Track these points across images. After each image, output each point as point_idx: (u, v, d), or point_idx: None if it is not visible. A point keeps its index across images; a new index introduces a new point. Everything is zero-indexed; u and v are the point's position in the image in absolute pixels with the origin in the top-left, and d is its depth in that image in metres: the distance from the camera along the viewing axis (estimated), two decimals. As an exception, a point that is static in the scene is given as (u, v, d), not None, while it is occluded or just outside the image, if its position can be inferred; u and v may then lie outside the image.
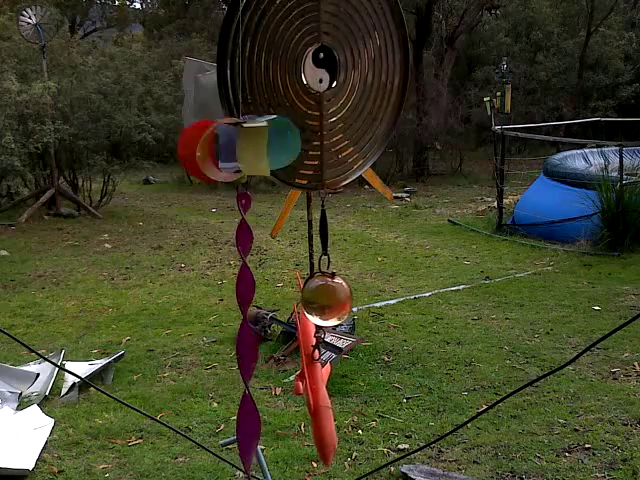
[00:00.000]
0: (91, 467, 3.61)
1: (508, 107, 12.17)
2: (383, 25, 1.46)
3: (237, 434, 1.50)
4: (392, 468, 3.49)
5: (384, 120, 1.53)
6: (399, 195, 13.36)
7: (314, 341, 1.69)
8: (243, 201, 1.34)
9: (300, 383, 1.71)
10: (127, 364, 5.00)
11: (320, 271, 1.54)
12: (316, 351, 1.70)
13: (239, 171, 1.27)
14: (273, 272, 7.73)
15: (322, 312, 1.51)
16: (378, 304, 6.39)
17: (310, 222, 5.25)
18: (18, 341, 1.81)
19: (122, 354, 4.98)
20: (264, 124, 1.24)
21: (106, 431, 3.98)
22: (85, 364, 4.80)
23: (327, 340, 4.74)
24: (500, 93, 12.11)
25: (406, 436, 3.86)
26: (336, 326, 4.34)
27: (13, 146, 10.05)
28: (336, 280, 1.53)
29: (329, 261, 1.55)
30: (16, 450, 3.69)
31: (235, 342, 1.49)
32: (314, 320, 1.53)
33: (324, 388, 1.72)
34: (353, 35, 1.44)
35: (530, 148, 17.06)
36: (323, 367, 1.84)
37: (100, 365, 4.71)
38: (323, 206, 1.53)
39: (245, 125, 1.23)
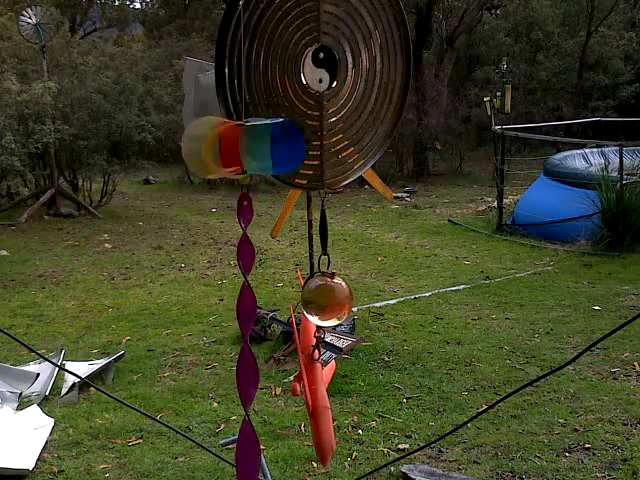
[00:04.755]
0: (91, 467, 3.61)
1: (508, 107, 12.18)
2: (384, 24, 1.46)
3: (236, 460, 1.46)
4: (392, 468, 3.49)
5: (385, 120, 1.52)
6: (399, 195, 13.35)
7: (314, 341, 1.68)
8: (244, 203, 1.32)
9: (297, 384, 1.70)
10: (127, 364, 5.00)
11: (320, 271, 1.54)
12: (316, 351, 1.70)
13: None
14: (273, 272, 7.73)
15: (321, 312, 1.51)
16: (378, 304, 6.39)
17: (310, 222, 5.24)
18: (18, 341, 1.81)
19: (122, 354, 4.98)
20: (266, 123, 1.24)
21: (106, 431, 3.98)
22: (85, 364, 4.80)
23: (327, 340, 4.75)
24: (500, 93, 12.12)
25: (406, 436, 3.86)
26: (336, 326, 4.35)
27: (13, 146, 10.06)
28: (335, 280, 1.53)
29: (329, 261, 1.54)
30: (16, 450, 3.69)
31: (236, 368, 1.43)
32: (313, 320, 1.53)
33: (323, 388, 1.72)
34: (353, 35, 1.43)
35: (530, 148, 17.07)
36: (327, 366, 1.84)
37: (100, 365, 4.71)
38: (323, 206, 1.52)
39: (247, 124, 1.23)
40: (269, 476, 3.15)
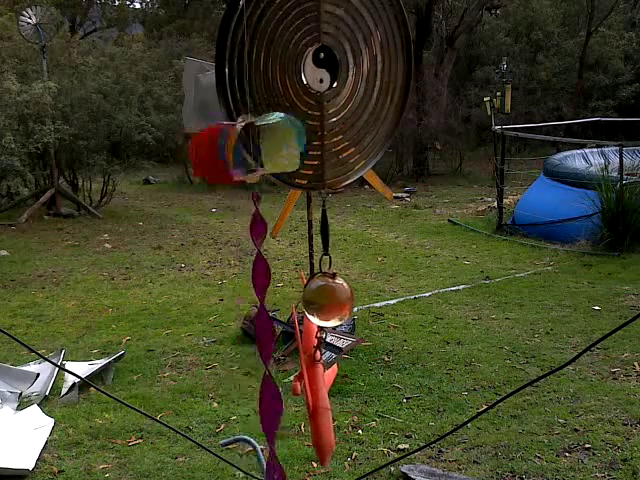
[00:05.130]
0: (91, 467, 3.62)
1: (508, 107, 12.19)
2: (385, 25, 1.46)
3: (260, 415, 1.49)
4: (392, 468, 3.49)
5: (386, 120, 1.52)
6: (399, 195, 13.36)
7: (315, 342, 1.68)
8: (255, 198, 1.35)
9: (298, 384, 1.70)
10: (127, 364, 5.00)
11: (321, 271, 1.54)
12: (317, 352, 1.69)
13: (252, 171, 1.28)
14: (273, 272, 7.63)
15: (322, 312, 1.51)
16: (378, 304, 6.39)
17: (310, 222, 5.24)
18: (18, 341, 1.81)
19: (122, 354, 4.98)
20: (277, 120, 1.24)
21: (106, 431, 3.98)
22: (85, 364, 4.80)
23: (327, 340, 4.75)
24: (500, 93, 12.13)
25: (406, 436, 3.86)
26: (336, 326, 4.35)
27: (13, 146, 10.05)
28: (337, 280, 1.52)
29: (330, 261, 1.54)
30: (16, 450, 3.69)
31: (255, 328, 1.48)
32: (314, 320, 1.53)
33: (324, 389, 1.71)
34: (354, 35, 1.43)
35: (530, 148, 17.07)
36: (329, 368, 1.84)
37: (100, 365, 4.71)
38: (324, 206, 1.52)
39: (259, 123, 1.23)
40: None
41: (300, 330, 1.85)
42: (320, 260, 1.54)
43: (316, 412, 1.67)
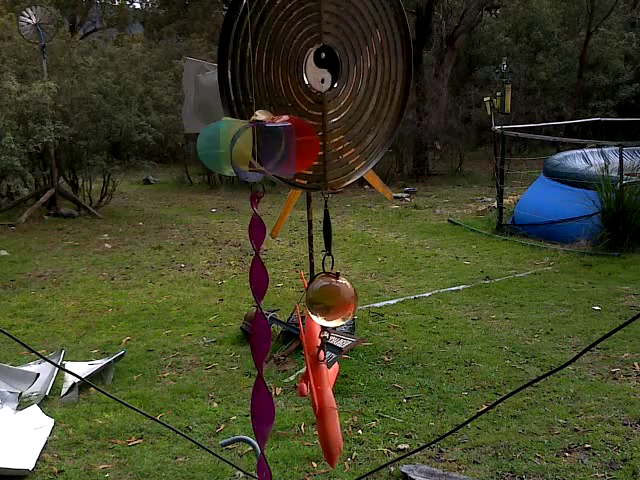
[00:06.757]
0: (91, 467, 3.61)
1: (508, 107, 12.18)
2: (385, 25, 1.46)
3: (252, 421, 1.46)
4: (392, 468, 3.49)
5: (387, 120, 1.52)
6: (399, 195, 13.37)
7: (319, 342, 1.68)
8: (257, 200, 1.34)
9: (304, 384, 1.70)
10: (127, 364, 5.00)
11: (324, 271, 1.54)
12: (321, 352, 1.69)
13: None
14: (273, 272, 7.73)
15: (326, 312, 1.51)
16: (378, 304, 6.39)
17: (310, 222, 5.24)
18: (18, 341, 1.81)
19: (122, 354, 4.98)
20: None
21: (106, 431, 3.98)
22: (85, 364, 4.80)
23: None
24: (500, 93, 12.13)
25: (406, 436, 3.86)
26: (338, 326, 4.35)
27: (13, 146, 10.06)
28: (340, 280, 1.53)
29: (333, 261, 1.54)
30: (16, 450, 3.69)
31: (251, 330, 1.46)
32: (318, 321, 1.53)
33: (329, 389, 1.72)
34: (355, 35, 1.44)
35: (530, 148, 17.08)
36: (330, 367, 1.84)
37: (100, 365, 4.71)
38: (326, 206, 1.52)
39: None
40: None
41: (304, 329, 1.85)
42: (323, 260, 1.54)
43: (323, 412, 1.67)
